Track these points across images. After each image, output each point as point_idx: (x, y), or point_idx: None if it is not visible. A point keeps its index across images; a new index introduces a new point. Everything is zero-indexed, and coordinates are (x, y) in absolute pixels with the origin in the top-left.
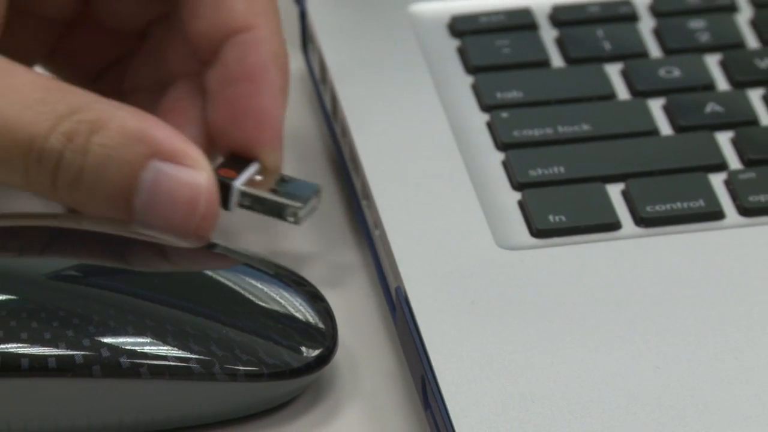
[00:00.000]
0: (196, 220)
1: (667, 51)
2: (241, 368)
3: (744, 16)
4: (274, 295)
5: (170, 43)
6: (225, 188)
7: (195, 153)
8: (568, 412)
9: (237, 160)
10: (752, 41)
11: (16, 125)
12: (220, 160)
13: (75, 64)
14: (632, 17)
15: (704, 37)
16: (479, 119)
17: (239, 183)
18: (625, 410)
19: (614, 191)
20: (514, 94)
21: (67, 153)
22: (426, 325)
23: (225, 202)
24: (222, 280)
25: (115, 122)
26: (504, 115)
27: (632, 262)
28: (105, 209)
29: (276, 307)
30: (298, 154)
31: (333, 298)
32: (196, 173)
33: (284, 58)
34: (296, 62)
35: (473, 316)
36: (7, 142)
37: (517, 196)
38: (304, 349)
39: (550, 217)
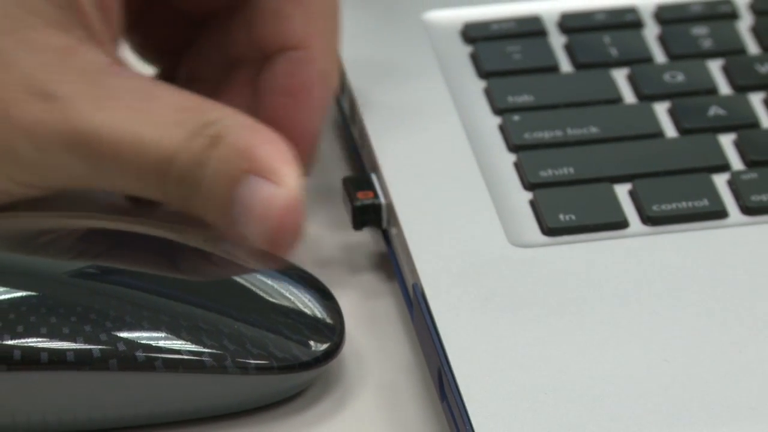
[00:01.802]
0: (269, 233)
1: (672, 57)
2: (252, 362)
3: (745, 23)
4: (284, 292)
5: (239, 27)
6: (376, 209)
7: (286, 171)
8: (580, 403)
9: (352, 180)
10: (753, 47)
11: (155, 149)
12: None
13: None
14: (638, 24)
15: (707, 44)
16: (491, 122)
17: (383, 199)
18: (635, 401)
19: (622, 191)
20: (525, 98)
21: (195, 168)
22: (442, 320)
23: (379, 221)
24: (234, 277)
25: (230, 138)
26: (515, 118)
27: (640, 259)
28: (217, 220)
29: (285, 303)
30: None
31: (350, 295)
32: (276, 189)
33: (332, 77)
34: None
35: (488, 311)
36: (143, 164)
37: (528, 195)
38: (312, 343)
39: (561, 216)
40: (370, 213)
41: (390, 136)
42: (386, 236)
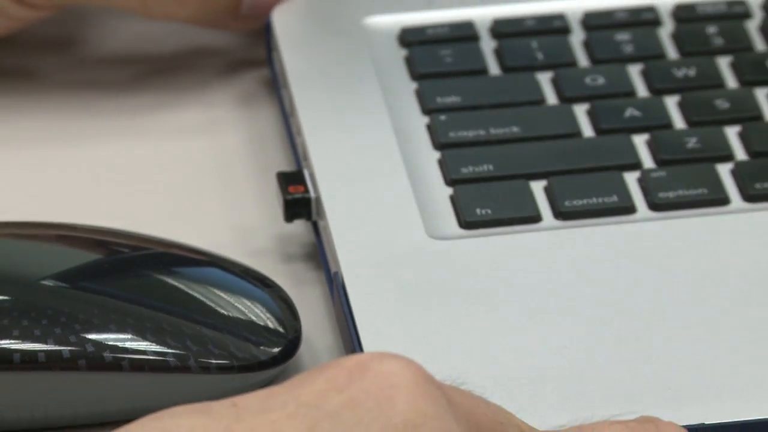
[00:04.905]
0: None
1: (595, 61)
2: (214, 362)
3: (666, 30)
4: (243, 295)
5: None
6: (306, 202)
7: None
8: (484, 390)
9: (285, 175)
10: (672, 53)
11: None
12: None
13: None
14: (565, 30)
15: (629, 49)
16: (420, 122)
17: (313, 193)
18: (536, 386)
19: (537, 187)
20: (452, 99)
21: None
22: (358, 306)
23: (309, 215)
24: (194, 281)
25: None
26: (442, 117)
27: (549, 252)
28: None
29: (245, 306)
30: (260, 149)
31: (281, 283)
32: None
33: None
34: (263, 70)
35: (402, 300)
36: None
37: (449, 191)
38: (270, 343)
39: (478, 210)
40: (301, 206)
41: (323, 134)
42: (315, 228)
